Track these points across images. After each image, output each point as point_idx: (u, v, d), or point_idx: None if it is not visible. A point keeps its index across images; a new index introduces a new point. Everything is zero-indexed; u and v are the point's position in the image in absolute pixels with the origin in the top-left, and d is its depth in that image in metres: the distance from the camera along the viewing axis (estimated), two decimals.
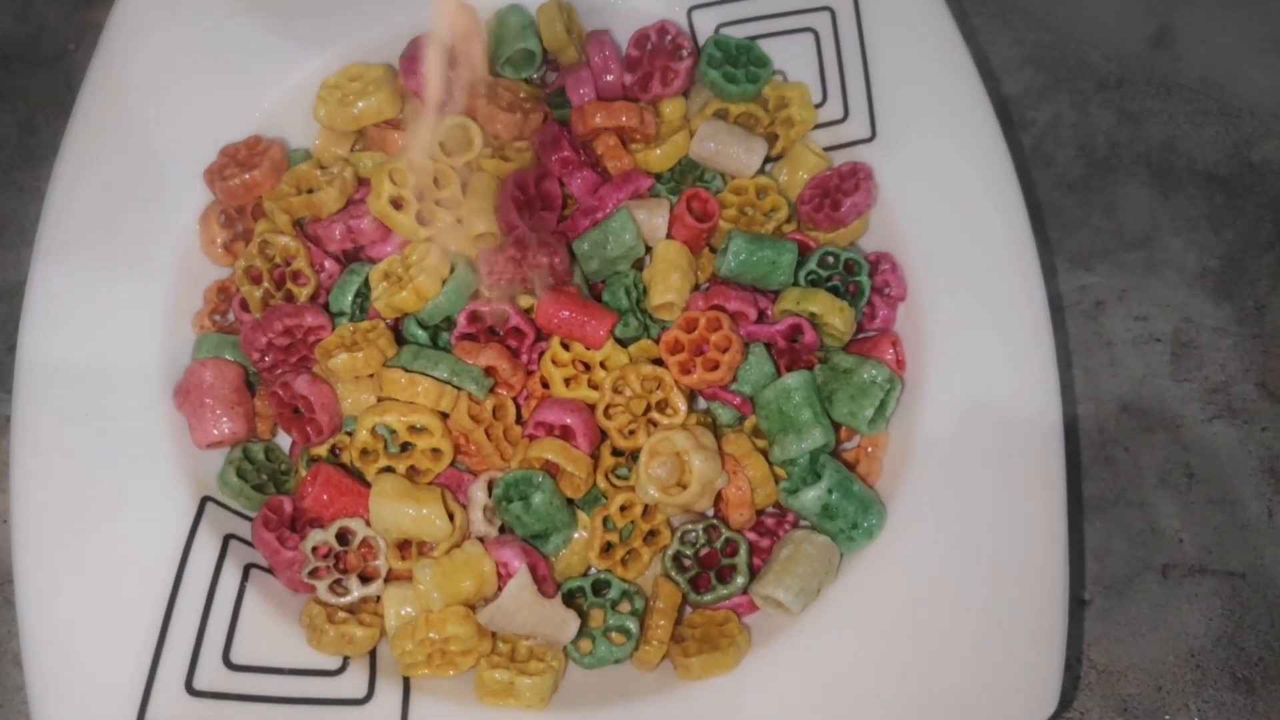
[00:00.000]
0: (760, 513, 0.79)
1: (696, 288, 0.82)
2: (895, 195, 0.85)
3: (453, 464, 0.77)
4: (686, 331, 0.77)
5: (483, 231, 0.80)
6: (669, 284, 0.79)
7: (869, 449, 0.80)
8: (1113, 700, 0.85)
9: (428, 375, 0.74)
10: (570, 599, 0.74)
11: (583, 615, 0.73)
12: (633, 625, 0.73)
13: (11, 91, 1.05)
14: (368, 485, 0.75)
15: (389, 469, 0.75)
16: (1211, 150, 1.06)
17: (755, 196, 0.85)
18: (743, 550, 0.75)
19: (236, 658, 0.71)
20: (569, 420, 0.75)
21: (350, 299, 0.79)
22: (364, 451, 0.75)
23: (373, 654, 0.73)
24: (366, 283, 0.80)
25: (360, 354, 0.74)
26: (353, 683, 0.71)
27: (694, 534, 0.76)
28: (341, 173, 0.82)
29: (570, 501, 0.76)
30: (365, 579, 0.73)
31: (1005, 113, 1.07)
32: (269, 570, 0.75)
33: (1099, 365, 0.97)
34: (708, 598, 0.75)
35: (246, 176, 0.81)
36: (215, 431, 0.76)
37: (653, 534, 0.76)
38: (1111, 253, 1.01)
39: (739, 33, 0.90)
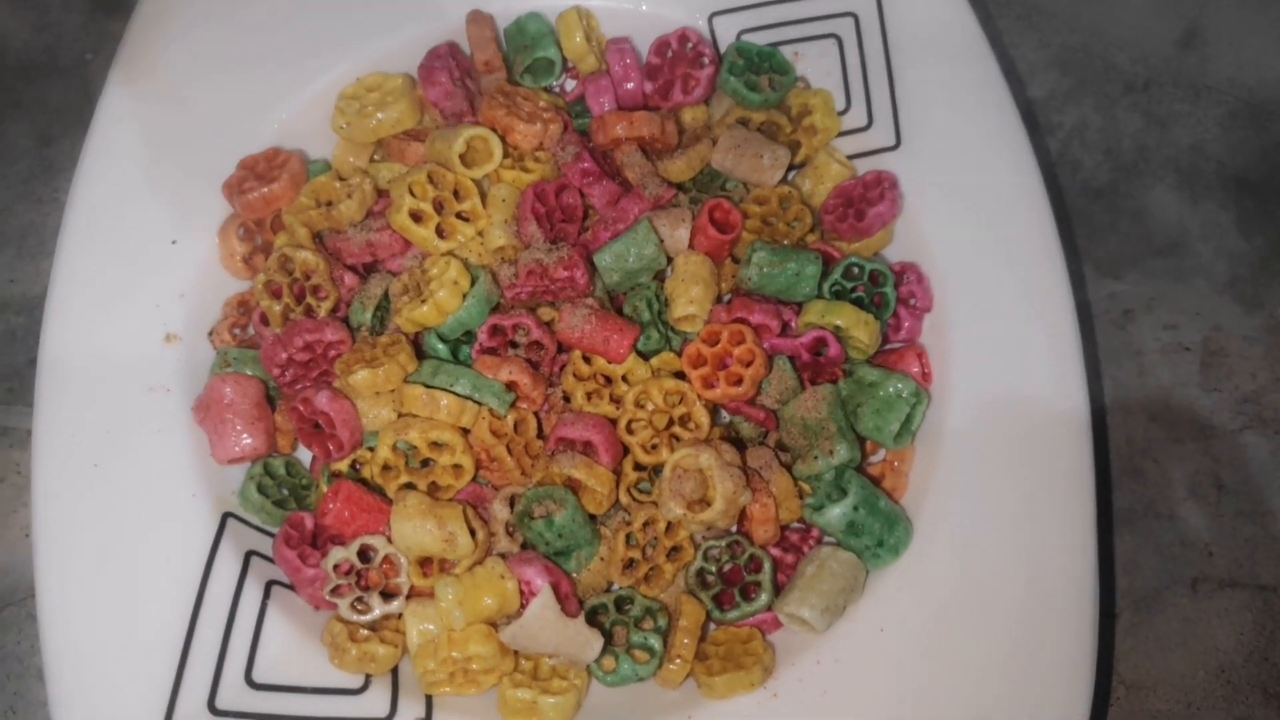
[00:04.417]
0: (784, 528, 0.78)
1: (719, 299, 0.81)
2: (920, 204, 0.84)
3: (474, 479, 0.76)
4: (709, 345, 0.77)
5: (502, 244, 0.79)
6: (691, 296, 0.78)
7: (894, 463, 0.79)
8: (1142, 716, 0.84)
9: (449, 391, 0.73)
10: (593, 616, 0.73)
11: (605, 633, 0.73)
12: (656, 643, 0.73)
13: (29, 102, 1.05)
14: (389, 501, 0.74)
15: (410, 485, 0.74)
16: (1241, 154, 1.04)
17: (778, 206, 0.84)
18: (767, 567, 0.75)
19: (259, 676, 0.70)
20: (591, 436, 0.74)
21: (370, 313, 0.78)
22: (385, 467, 0.74)
23: (395, 672, 0.73)
24: (387, 296, 0.79)
25: (381, 369, 0.74)
26: (375, 701, 0.71)
27: (717, 550, 0.76)
28: (361, 185, 0.81)
29: (592, 517, 0.76)
30: (387, 596, 0.72)
31: (1030, 116, 1.06)
32: (290, 587, 0.74)
33: (1127, 375, 0.95)
34: (732, 615, 0.74)
35: (265, 190, 0.81)
36: (236, 447, 0.76)
37: (676, 550, 0.75)
38: (1140, 260, 1.00)
39: (761, 39, 0.89)
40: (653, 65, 0.88)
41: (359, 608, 0.72)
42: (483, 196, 0.81)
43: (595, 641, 0.70)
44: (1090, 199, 1.03)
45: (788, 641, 0.74)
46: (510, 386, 0.75)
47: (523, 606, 0.71)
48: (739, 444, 0.78)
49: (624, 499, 0.76)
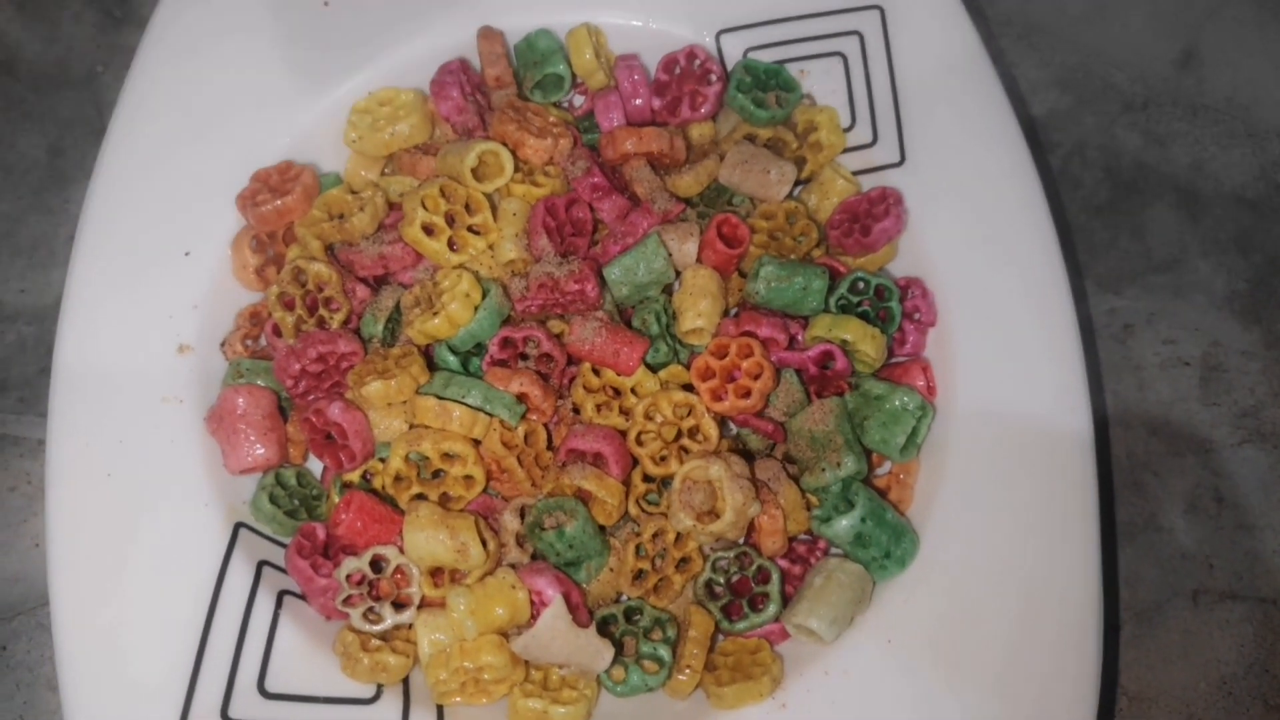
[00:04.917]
0: (792, 540, 0.79)
1: (726, 313, 0.82)
2: (924, 220, 0.85)
3: (485, 490, 0.77)
4: (718, 358, 0.77)
5: (513, 258, 0.80)
6: (699, 309, 0.79)
7: (900, 476, 0.80)
8: None
9: (461, 403, 0.74)
10: (603, 626, 0.74)
11: (615, 643, 0.73)
12: (665, 653, 0.73)
13: (40, 113, 1.05)
14: (400, 512, 0.75)
15: (422, 496, 0.75)
16: (1239, 172, 1.05)
17: (785, 221, 0.85)
18: (775, 578, 0.75)
19: (271, 686, 0.71)
20: (601, 447, 0.75)
21: (382, 325, 0.79)
22: (397, 478, 0.75)
23: (406, 682, 0.73)
24: (398, 308, 0.80)
25: (393, 381, 0.74)
26: (387, 711, 0.71)
27: (726, 561, 0.76)
28: (373, 198, 0.82)
29: (602, 528, 0.76)
30: (399, 606, 0.73)
31: (1031, 134, 1.07)
32: (302, 597, 0.75)
33: (1128, 389, 0.96)
34: (740, 625, 0.75)
35: (279, 202, 0.81)
36: (249, 457, 0.76)
37: (684, 561, 0.76)
38: (1139, 275, 1.01)
39: (768, 57, 0.90)
40: (661, 82, 0.89)
41: (371, 618, 0.72)
42: (494, 210, 0.82)
43: (606, 652, 0.71)
44: (1091, 215, 1.04)
45: (796, 652, 0.75)
46: (521, 398, 0.76)
47: (533, 617, 0.72)
48: (747, 456, 0.79)
49: (633, 510, 0.77)
